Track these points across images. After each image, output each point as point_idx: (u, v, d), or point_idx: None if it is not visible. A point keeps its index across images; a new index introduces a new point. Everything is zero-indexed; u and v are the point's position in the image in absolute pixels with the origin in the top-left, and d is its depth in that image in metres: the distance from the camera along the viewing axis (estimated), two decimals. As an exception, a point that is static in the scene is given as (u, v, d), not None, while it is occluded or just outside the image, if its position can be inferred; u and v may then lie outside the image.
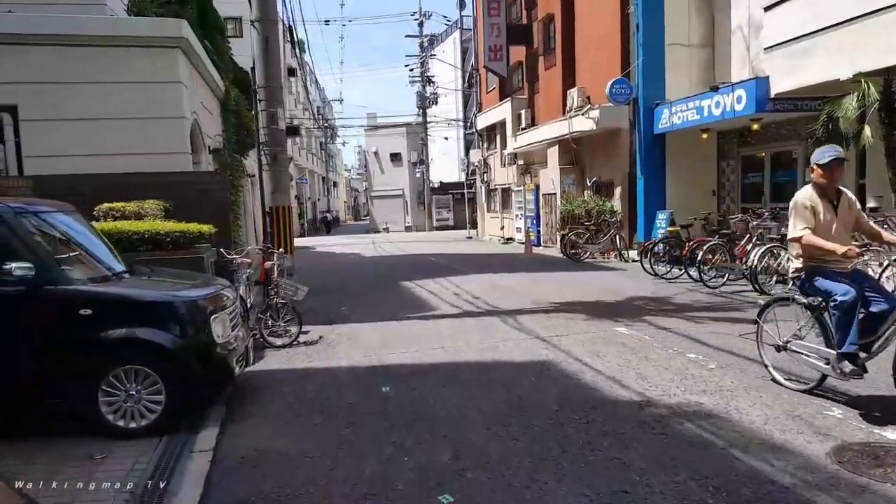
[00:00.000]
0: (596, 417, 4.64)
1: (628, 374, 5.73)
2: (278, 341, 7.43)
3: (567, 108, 19.89)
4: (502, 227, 26.05)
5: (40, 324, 4.44)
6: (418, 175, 40.72)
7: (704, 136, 15.10)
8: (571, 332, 7.49)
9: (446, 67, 40.04)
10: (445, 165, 45.06)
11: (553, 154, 21.10)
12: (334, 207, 61.61)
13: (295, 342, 7.45)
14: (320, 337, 7.80)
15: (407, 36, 59.88)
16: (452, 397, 5.24)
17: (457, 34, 43.75)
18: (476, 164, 29.90)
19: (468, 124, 40.83)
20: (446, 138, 41.96)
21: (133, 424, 4.57)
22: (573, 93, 19.53)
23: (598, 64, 18.64)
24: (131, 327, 4.58)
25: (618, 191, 18.39)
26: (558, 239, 20.53)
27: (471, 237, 30.13)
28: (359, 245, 26.93)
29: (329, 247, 26.51)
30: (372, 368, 6.33)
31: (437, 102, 38.56)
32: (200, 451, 4.34)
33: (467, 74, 41.65)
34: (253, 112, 12.61)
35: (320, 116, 50.46)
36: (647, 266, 12.22)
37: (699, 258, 10.73)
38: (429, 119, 39.18)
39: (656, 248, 12.37)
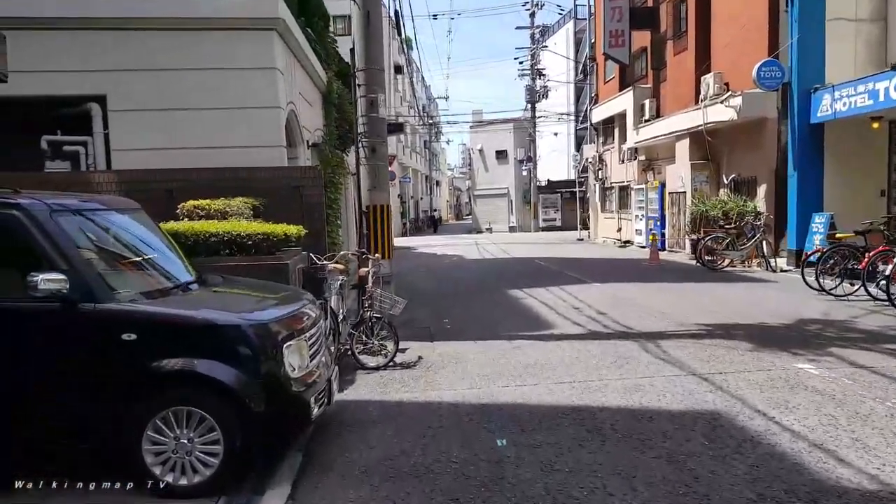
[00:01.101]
0: (823, 524, 3.09)
1: (841, 441, 4.09)
2: (372, 361, 6.35)
3: (700, 97, 17.79)
4: (619, 229, 24.03)
5: (74, 350, 3.54)
6: (525, 173, 39.12)
7: (875, 125, 12.63)
8: (738, 369, 5.83)
9: (557, 60, 38.19)
10: (554, 163, 43.19)
11: (682, 148, 18.96)
12: (436, 206, 61.28)
13: (391, 363, 6.34)
14: (419, 358, 6.65)
15: (517, 27, 58.43)
16: (594, 466, 3.85)
17: (570, 24, 41.75)
18: (590, 160, 27.97)
19: (580, 119, 38.78)
20: (556, 134, 40.08)
21: (184, 481, 3.57)
22: (708, 79, 17.40)
23: (739, 45, 16.37)
24: (181, 357, 3.59)
25: (761, 189, 16.06)
26: (687, 243, 18.42)
27: (581, 239, 28.23)
28: (461, 246, 25.87)
29: (430, 247, 25.66)
30: (481, 408, 5.06)
31: (547, 96, 36.80)
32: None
33: (580, 66, 39.61)
34: (352, 101, 11.73)
35: (425, 114, 50.11)
36: (811, 279, 10.10)
37: (890, 273, 8.57)
38: (538, 114, 37.50)
39: (825, 257, 10.20)
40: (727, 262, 14.83)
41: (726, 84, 17.15)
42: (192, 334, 3.67)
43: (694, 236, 17.73)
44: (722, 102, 16.27)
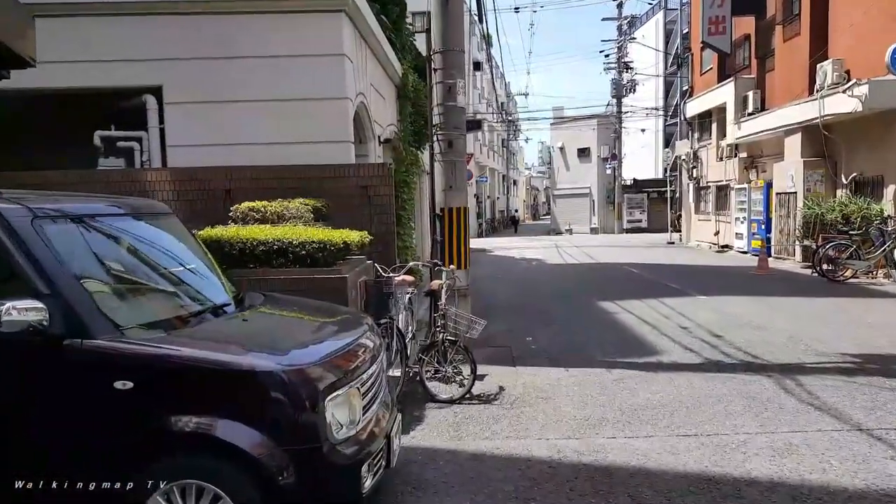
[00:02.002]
0: None
1: None
2: (444, 392, 5.34)
3: (816, 87, 15.79)
4: (717, 233, 22.00)
5: (51, 403, 2.71)
6: (608, 171, 37.17)
7: None
8: (924, 427, 4.43)
9: (646, 53, 36.05)
10: (640, 161, 40.99)
11: (793, 144, 16.98)
12: (513, 206, 59.90)
13: (467, 395, 5.31)
14: (500, 389, 5.59)
15: (604, 19, 56.06)
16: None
17: (660, 15, 39.54)
18: (683, 157, 25.94)
19: (670, 114, 36.50)
20: (643, 130, 37.92)
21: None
22: (825, 66, 15.41)
23: (865, 27, 14.36)
24: (192, 414, 2.70)
25: (889, 190, 14.00)
26: (797, 250, 16.42)
27: (672, 243, 26.23)
28: (540, 249, 24.52)
29: (507, 250, 24.46)
30: (586, 468, 3.94)
31: (634, 90, 34.74)
32: None
33: (671, 59, 37.29)
34: (427, 88, 10.74)
35: (503, 112, 48.87)
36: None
37: None
38: (623, 109, 35.51)
39: None
40: (849, 272, 12.92)
41: (847, 72, 15.13)
42: (209, 382, 2.77)
43: (806, 242, 15.76)
44: (844, 92, 14.27)
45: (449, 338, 5.27)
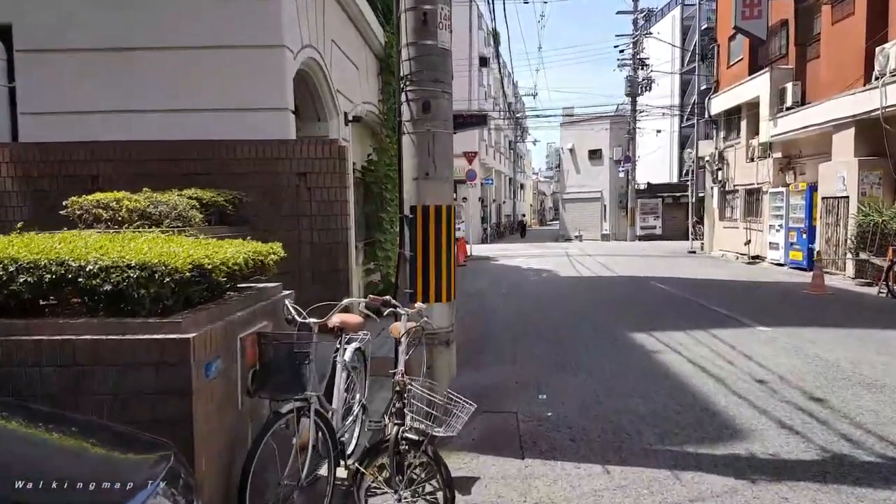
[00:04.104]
0: None
1: None
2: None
3: (875, 74, 13.52)
4: (747, 242, 19.60)
5: None
6: (621, 175, 34.73)
7: None
8: None
9: (661, 51, 33.69)
10: (654, 164, 38.61)
11: (844, 140, 14.69)
12: (520, 211, 57.50)
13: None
14: (501, 512, 3.28)
15: (618, 12, 53.79)
16: None
17: (677, 10, 37.25)
18: (707, 158, 23.55)
19: (687, 114, 34.12)
20: (658, 132, 35.48)
21: None
22: (889, 49, 13.18)
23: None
24: None
25: (977, 195, 11.64)
26: (849, 265, 14.06)
27: (694, 252, 23.81)
28: (550, 257, 22.13)
29: (513, 258, 22.08)
30: None
31: (650, 88, 32.33)
32: None
33: (688, 55, 34.95)
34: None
35: (510, 112, 46.55)
36: None
37: None
38: (638, 108, 33.12)
39: None
40: (928, 293, 10.62)
41: (915, 55, 12.87)
42: None
43: (864, 255, 13.42)
44: (919, 75, 11.99)
45: (408, 435, 2.96)
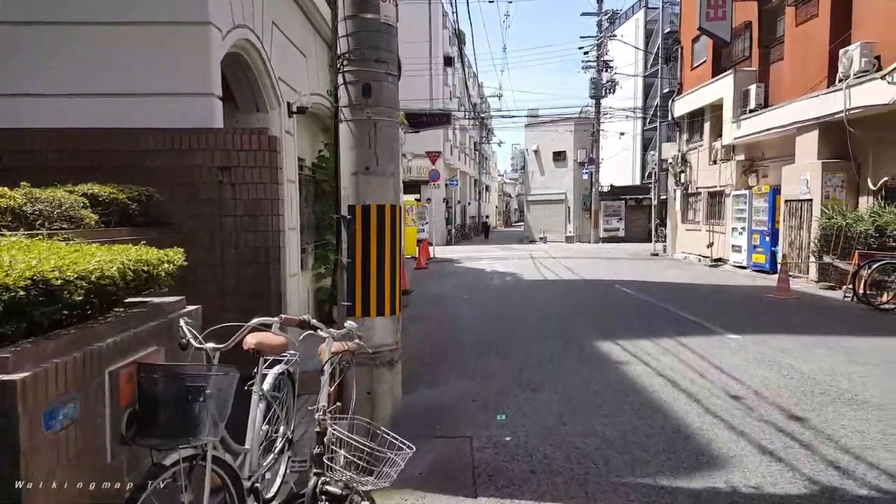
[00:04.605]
0: None
1: None
2: None
3: (839, 76, 13.47)
4: (710, 245, 19.54)
5: None
6: (585, 177, 34.64)
7: None
8: None
9: (624, 55, 33.71)
10: (618, 166, 38.69)
11: (808, 143, 14.65)
12: (485, 213, 57.22)
13: None
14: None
15: (583, 14, 54.00)
16: None
17: (640, 14, 37.40)
18: (670, 160, 23.51)
19: (650, 117, 34.26)
20: (622, 134, 35.55)
21: None
22: (852, 51, 13.14)
23: (907, -1, 11.97)
24: None
25: (939, 198, 11.62)
26: (811, 268, 13.99)
27: (656, 254, 23.72)
28: (513, 260, 21.73)
29: (477, 261, 21.61)
30: None
31: (614, 91, 32.31)
32: None
33: (651, 58, 35.13)
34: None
35: (476, 112, 46.19)
36: None
37: None
38: (602, 110, 33.06)
39: None
40: (890, 297, 10.49)
41: (877, 58, 12.84)
42: None
43: (827, 258, 13.34)
44: (883, 78, 11.91)
45: (329, 489, 2.39)
